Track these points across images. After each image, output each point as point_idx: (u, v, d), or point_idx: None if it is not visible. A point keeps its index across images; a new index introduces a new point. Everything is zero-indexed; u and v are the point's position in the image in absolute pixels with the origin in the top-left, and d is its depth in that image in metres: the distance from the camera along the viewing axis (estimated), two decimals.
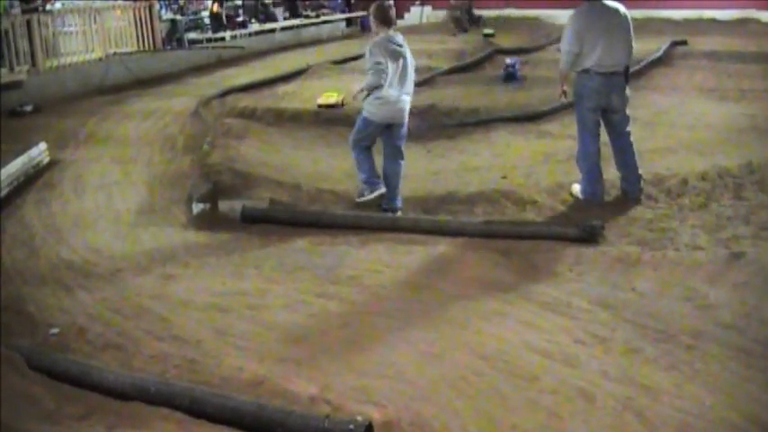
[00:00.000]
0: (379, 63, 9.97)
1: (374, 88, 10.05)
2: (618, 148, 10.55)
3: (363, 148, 10.44)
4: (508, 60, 20.44)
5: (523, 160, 12.41)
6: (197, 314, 7.46)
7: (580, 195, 10.31)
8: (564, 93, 10.63)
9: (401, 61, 10.10)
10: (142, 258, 9.18)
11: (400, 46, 10.12)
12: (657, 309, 7.14)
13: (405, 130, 10.47)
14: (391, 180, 10.41)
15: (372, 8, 10.28)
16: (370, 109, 10.21)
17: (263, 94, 19.06)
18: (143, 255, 9.30)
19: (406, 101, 10.26)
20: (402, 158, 10.49)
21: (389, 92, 10.07)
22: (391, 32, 10.16)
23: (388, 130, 10.35)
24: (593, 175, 10.26)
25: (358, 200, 10.50)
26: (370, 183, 10.37)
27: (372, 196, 10.34)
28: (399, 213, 10.28)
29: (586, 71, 10.20)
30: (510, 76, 19.62)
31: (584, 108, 10.33)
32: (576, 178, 10.56)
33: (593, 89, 10.21)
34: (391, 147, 10.45)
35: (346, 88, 15.87)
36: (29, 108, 18.61)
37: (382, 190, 10.32)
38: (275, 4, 31.93)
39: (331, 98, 16.40)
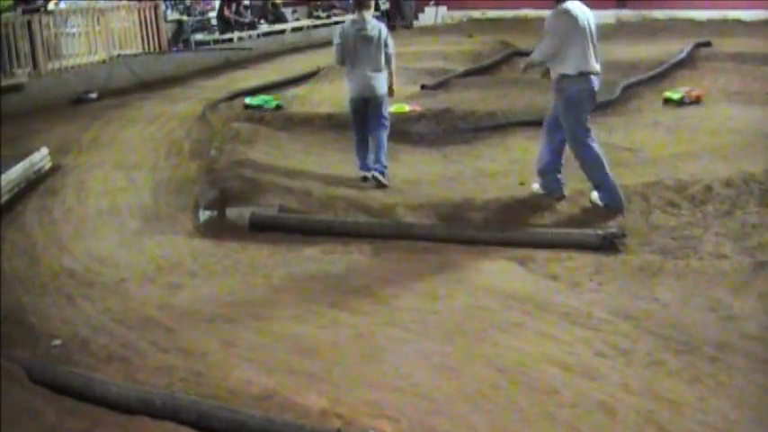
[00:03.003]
0: (336, 45, 11.83)
1: (340, 65, 12.13)
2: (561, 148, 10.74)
3: (357, 133, 12.13)
4: None
5: None
6: (204, 325, 7.48)
7: (600, 203, 10.28)
8: (545, 73, 10.85)
9: (363, 43, 11.66)
10: (147, 267, 9.21)
11: (364, 29, 11.66)
12: (680, 319, 7.13)
13: (384, 108, 11.99)
14: (374, 144, 11.90)
15: None
16: (348, 87, 12.00)
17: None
18: (148, 263, 9.33)
19: (376, 77, 11.79)
20: (384, 128, 12.03)
21: (356, 69, 11.75)
22: (359, 16, 11.79)
23: (367, 105, 11.89)
24: (611, 181, 10.24)
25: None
26: (360, 166, 12.03)
27: (359, 175, 11.90)
28: (380, 175, 11.64)
29: (583, 74, 10.19)
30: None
31: (583, 112, 10.36)
32: (590, 186, 10.54)
33: (592, 92, 10.32)
34: (374, 121, 11.95)
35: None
36: (93, 95, 20.62)
37: (366, 173, 11.82)
38: (285, 5, 31.96)
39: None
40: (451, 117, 15.59)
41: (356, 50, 11.67)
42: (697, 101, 16.06)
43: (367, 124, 12.00)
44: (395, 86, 12.31)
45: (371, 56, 11.72)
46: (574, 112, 10.27)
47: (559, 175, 10.59)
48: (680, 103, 15.89)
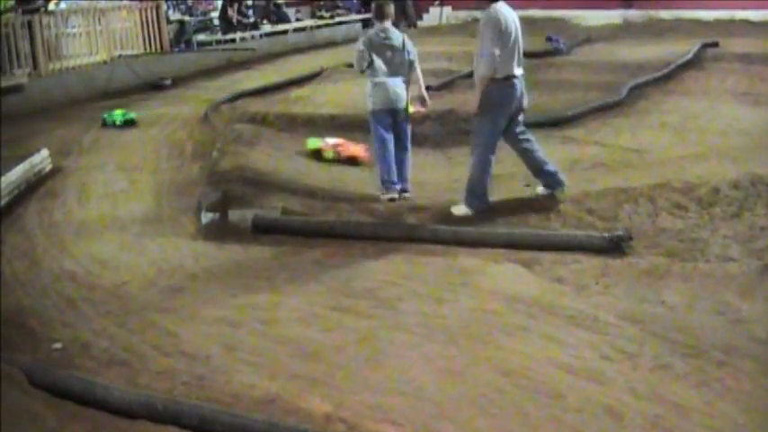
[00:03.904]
0: (360, 51, 11.40)
1: (361, 73, 11.59)
2: (531, 147, 10.77)
3: (381, 140, 11.29)
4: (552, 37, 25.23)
5: None
6: (206, 328, 7.48)
7: (470, 212, 10.38)
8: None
9: (389, 52, 11.34)
10: (148, 270, 9.21)
11: (389, 38, 11.35)
12: (687, 323, 7.13)
13: (408, 124, 11.56)
14: (399, 166, 11.30)
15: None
16: (371, 99, 11.36)
17: (275, 99, 19.10)
18: (149, 266, 9.34)
19: (402, 86, 11.38)
20: (406, 148, 11.53)
21: (379, 79, 11.29)
22: (382, 26, 11.44)
23: (393, 116, 11.31)
24: (486, 191, 10.48)
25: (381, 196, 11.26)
26: (384, 182, 11.17)
27: (385, 197, 11.06)
28: (407, 195, 11.26)
29: (507, 78, 10.22)
30: (556, 51, 24.53)
31: (501, 117, 10.33)
32: (599, 186, 10.54)
33: (514, 96, 10.31)
34: (401, 131, 11.42)
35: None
36: (168, 81, 22.58)
37: (393, 194, 11.07)
38: (287, 5, 31.97)
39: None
40: (456, 118, 15.57)
41: (382, 59, 11.30)
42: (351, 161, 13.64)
43: (394, 137, 11.43)
44: (426, 96, 11.82)
45: (397, 64, 11.37)
46: (491, 116, 10.30)
47: (549, 167, 10.67)
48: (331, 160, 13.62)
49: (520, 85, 10.34)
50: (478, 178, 10.38)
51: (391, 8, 11.57)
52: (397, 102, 11.32)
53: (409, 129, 11.61)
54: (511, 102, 10.29)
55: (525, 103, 10.55)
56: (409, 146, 11.58)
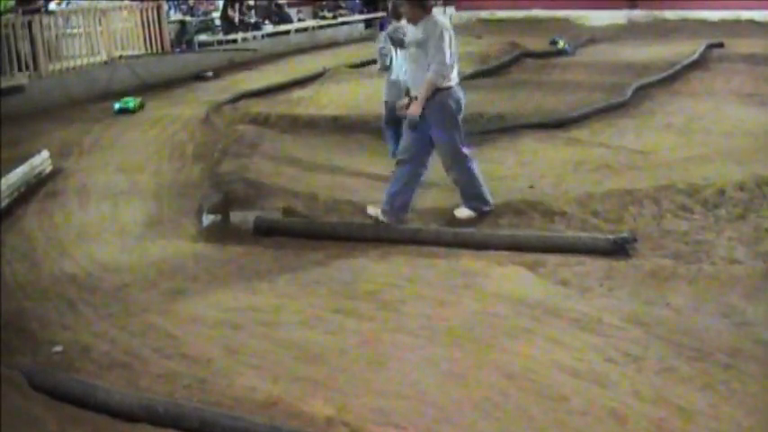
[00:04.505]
0: (382, 48, 12.73)
1: (383, 71, 12.91)
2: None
3: (389, 126, 12.66)
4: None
5: (551, 169, 12.39)
6: (207, 331, 7.48)
7: (473, 214, 10.38)
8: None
9: (407, 48, 11.29)
10: (150, 272, 9.22)
11: (406, 35, 11.28)
12: (692, 325, 7.12)
13: None
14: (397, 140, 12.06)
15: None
16: (387, 92, 12.71)
17: (278, 100, 19.14)
18: (151, 268, 9.34)
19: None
20: None
21: (398, 75, 12.24)
22: (397, 23, 12.36)
23: None
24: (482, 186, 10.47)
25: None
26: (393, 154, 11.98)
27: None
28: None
29: (457, 84, 10.23)
30: (562, 52, 25.34)
31: (457, 123, 10.25)
32: (604, 188, 10.55)
33: (461, 102, 10.26)
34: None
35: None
36: (210, 74, 24.03)
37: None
38: (290, 5, 31.97)
39: None
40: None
41: (402, 58, 11.95)
42: None
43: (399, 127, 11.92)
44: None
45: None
46: (453, 124, 10.20)
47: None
48: None
49: (461, 92, 10.31)
50: (468, 181, 10.36)
51: (405, 7, 11.57)
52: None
53: None
54: (462, 107, 10.26)
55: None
56: None
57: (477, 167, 10.41)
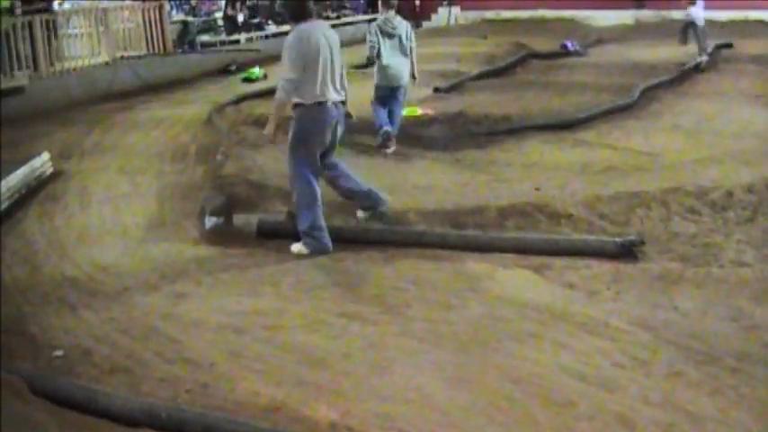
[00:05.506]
0: (371, 41, 14.15)
1: (374, 59, 14.29)
2: (343, 174, 10.28)
3: (378, 105, 14.32)
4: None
5: (558, 171, 12.39)
6: (210, 335, 7.48)
7: (305, 251, 9.67)
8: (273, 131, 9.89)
9: (395, 38, 14.12)
10: (151, 276, 9.21)
11: (394, 27, 14.12)
12: (701, 329, 7.11)
13: (403, 91, 14.46)
14: (392, 114, 14.40)
15: None
16: (377, 77, 14.30)
17: None
18: (152, 272, 9.33)
19: (403, 68, 14.26)
20: (402, 106, 14.72)
21: (387, 62, 14.08)
22: (387, 15, 14.23)
23: (392, 91, 14.31)
24: (321, 225, 9.71)
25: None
26: (380, 126, 14.18)
27: (379, 137, 14.16)
28: (389, 133, 14.15)
29: (319, 104, 9.56)
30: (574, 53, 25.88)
31: (314, 144, 9.67)
32: (611, 190, 10.53)
33: (327, 123, 9.66)
34: (394, 102, 14.41)
35: None
36: (233, 67, 25.38)
37: (387, 128, 14.14)
38: None
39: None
40: (465, 121, 15.63)
41: (390, 46, 14.07)
42: None
43: (388, 105, 14.38)
44: (417, 75, 14.75)
45: (398, 50, 14.15)
46: (304, 146, 9.65)
47: (362, 188, 10.43)
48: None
49: (336, 111, 9.70)
50: (306, 216, 9.69)
51: None
52: (397, 80, 14.26)
53: (403, 102, 14.69)
54: (324, 128, 9.64)
55: (339, 132, 9.89)
56: (400, 110, 14.66)
57: (319, 203, 9.75)
